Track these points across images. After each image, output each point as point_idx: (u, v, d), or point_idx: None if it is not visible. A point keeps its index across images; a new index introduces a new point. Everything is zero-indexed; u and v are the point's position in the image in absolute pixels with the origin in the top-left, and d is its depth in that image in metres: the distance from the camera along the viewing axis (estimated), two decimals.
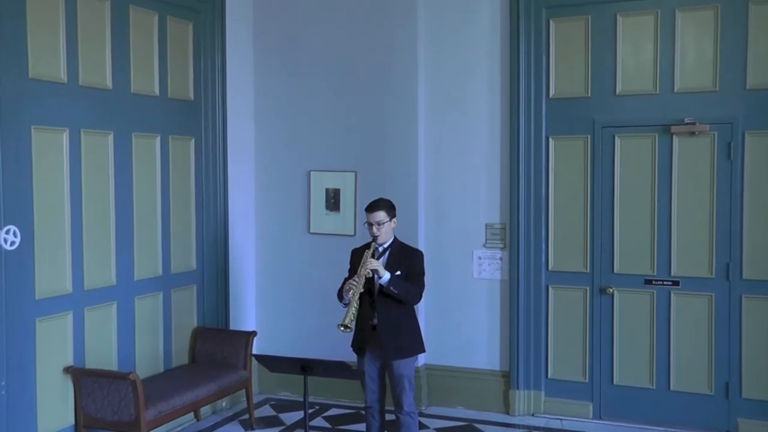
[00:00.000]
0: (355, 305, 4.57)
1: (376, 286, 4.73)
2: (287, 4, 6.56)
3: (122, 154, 5.42)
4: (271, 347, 6.45)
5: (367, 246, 4.81)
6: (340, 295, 4.75)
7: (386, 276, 4.65)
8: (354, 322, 4.60)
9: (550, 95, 5.96)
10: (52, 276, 4.92)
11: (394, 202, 4.91)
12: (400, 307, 4.75)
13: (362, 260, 4.68)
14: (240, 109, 6.52)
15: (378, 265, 4.65)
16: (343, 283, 4.75)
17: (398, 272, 4.73)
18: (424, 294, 4.88)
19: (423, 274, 4.86)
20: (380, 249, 4.81)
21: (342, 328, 4.50)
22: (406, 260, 4.80)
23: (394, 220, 4.86)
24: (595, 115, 5.86)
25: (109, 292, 5.35)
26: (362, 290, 4.63)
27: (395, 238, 4.89)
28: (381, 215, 4.77)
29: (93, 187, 5.20)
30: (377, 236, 4.76)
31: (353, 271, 4.80)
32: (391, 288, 4.65)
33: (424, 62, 6.22)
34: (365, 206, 4.89)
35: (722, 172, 5.59)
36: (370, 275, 4.67)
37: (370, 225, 4.78)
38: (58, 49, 4.91)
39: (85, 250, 5.15)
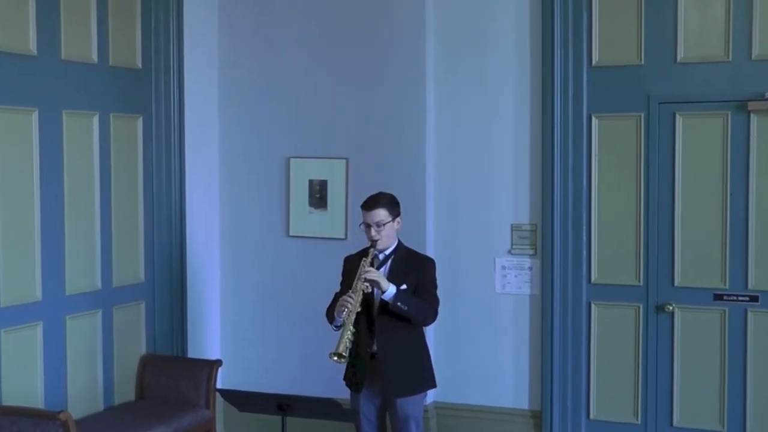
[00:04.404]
0: (351, 328, 4.60)
1: (376, 304, 4.77)
2: None
3: (50, 136, 5.41)
4: (240, 380, 6.44)
5: (364, 253, 4.82)
6: (331, 316, 4.79)
7: (391, 289, 4.67)
8: (349, 350, 4.61)
9: (593, 63, 5.97)
10: None
11: (397, 198, 4.94)
12: (405, 330, 4.80)
13: (358, 271, 4.69)
14: (201, 80, 6.50)
15: (379, 276, 4.67)
16: (334, 301, 4.80)
17: (404, 286, 4.75)
18: None
19: (436, 287, 4.93)
20: (381, 256, 4.84)
21: (335, 358, 4.55)
22: (414, 271, 4.84)
23: (398, 220, 4.89)
24: (651, 88, 5.86)
25: (33, 309, 5.34)
26: (359, 309, 4.63)
27: (399, 243, 4.93)
28: (381, 214, 4.79)
29: (12, 179, 5.16)
30: (377, 240, 4.78)
31: (347, 284, 4.80)
32: (399, 304, 4.68)
33: (434, 21, 6.22)
34: (361, 203, 4.90)
35: None
36: (369, 290, 4.68)
37: (368, 226, 4.80)
38: None
39: (2, 258, 5.13)
